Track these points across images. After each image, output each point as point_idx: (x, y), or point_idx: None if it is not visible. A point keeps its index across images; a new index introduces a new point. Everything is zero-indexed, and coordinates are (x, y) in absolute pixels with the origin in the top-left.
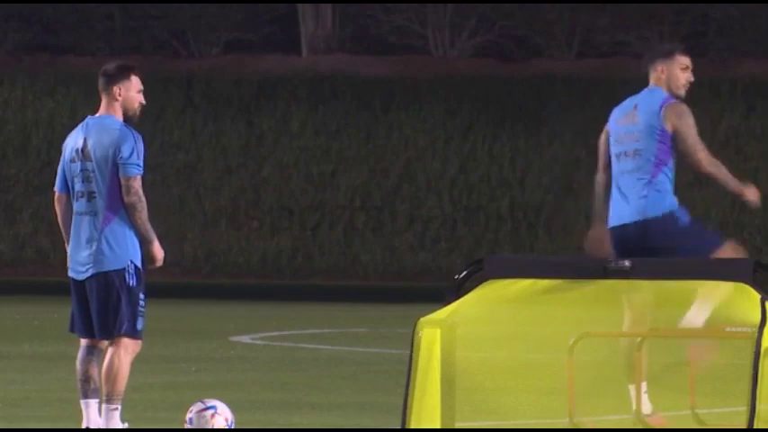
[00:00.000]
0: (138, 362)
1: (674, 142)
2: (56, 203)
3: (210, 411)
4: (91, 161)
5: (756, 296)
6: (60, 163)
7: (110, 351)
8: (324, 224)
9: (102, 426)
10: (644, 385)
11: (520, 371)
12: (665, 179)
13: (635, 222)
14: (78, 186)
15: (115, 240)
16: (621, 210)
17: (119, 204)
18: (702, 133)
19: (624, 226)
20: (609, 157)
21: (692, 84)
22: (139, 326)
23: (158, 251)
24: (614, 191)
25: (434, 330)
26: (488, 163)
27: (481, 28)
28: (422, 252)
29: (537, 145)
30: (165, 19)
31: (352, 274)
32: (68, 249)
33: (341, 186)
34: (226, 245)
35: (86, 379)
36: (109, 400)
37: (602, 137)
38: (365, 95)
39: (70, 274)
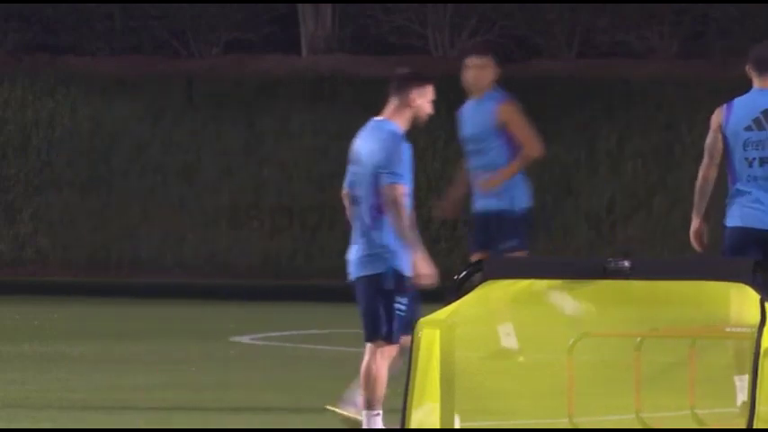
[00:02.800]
0: (138, 362)
1: None
2: (344, 199)
3: None
4: (359, 165)
5: (756, 296)
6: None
7: (367, 355)
8: (324, 224)
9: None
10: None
11: (519, 371)
12: None
13: None
14: (353, 191)
15: (376, 246)
16: (762, 215)
17: (382, 211)
18: (704, 133)
19: (760, 231)
20: (718, 157)
21: (691, 84)
22: (394, 329)
23: (420, 266)
24: (747, 195)
25: (434, 331)
26: None
27: (481, 28)
28: None
29: None
30: (165, 19)
31: None
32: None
33: (341, 187)
34: (226, 245)
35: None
36: (369, 407)
37: (714, 136)
38: (366, 96)
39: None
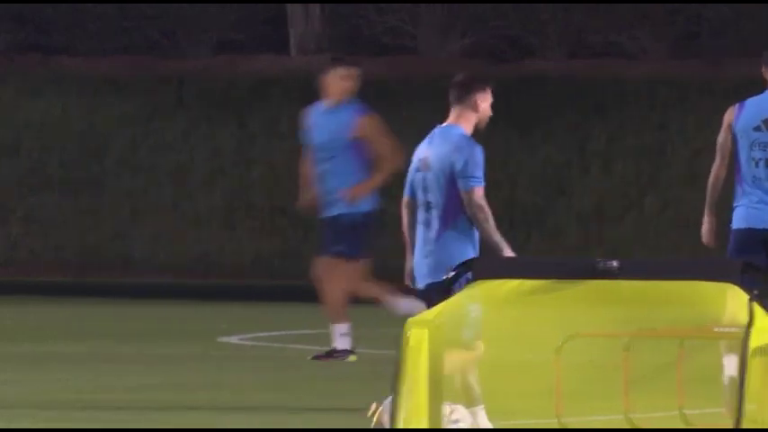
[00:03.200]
0: (130, 362)
1: None
2: (404, 205)
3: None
4: (429, 171)
5: (744, 297)
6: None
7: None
8: (316, 224)
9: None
10: None
11: (508, 371)
12: None
13: None
14: (419, 196)
15: (449, 251)
16: (766, 215)
17: (455, 216)
18: (695, 133)
19: (764, 231)
20: (729, 156)
21: (683, 84)
22: None
23: None
24: (752, 195)
25: (422, 331)
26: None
27: (473, 28)
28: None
29: (529, 145)
30: (158, 19)
31: None
32: (413, 258)
33: None
34: (218, 245)
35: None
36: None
37: (725, 135)
38: (357, 96)
39: (413, 283)
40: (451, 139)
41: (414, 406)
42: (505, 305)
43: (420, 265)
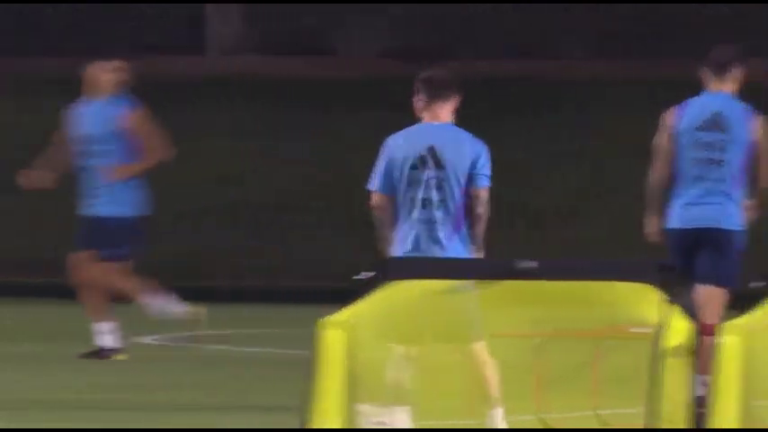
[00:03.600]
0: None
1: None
2: (379, 205)
3: None
4: (443, 169)
5: (661, 297)
6: (383, 165)
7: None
8: (232, 223)
9: None
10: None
11: (422, 372)
12: (742, 192)
13: (708, 229)
14: (422, 194)
15: (461, 250)
16: (699, 213)
17: (466, 213)
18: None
19: (696, 230)
20: (666, 157)
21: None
22: None
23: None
24: (687, 195)
25: (337, 331)
26: None
27: (398, 28)
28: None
29: None
30: (89, 22)
31: (267, 275)
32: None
33: (253, 188)
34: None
35: None
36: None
37: (664, 135)
38: (276, 96)
39: None
40: (464, 137)
41: (329, 406)
42: (420, 305)
43: None
